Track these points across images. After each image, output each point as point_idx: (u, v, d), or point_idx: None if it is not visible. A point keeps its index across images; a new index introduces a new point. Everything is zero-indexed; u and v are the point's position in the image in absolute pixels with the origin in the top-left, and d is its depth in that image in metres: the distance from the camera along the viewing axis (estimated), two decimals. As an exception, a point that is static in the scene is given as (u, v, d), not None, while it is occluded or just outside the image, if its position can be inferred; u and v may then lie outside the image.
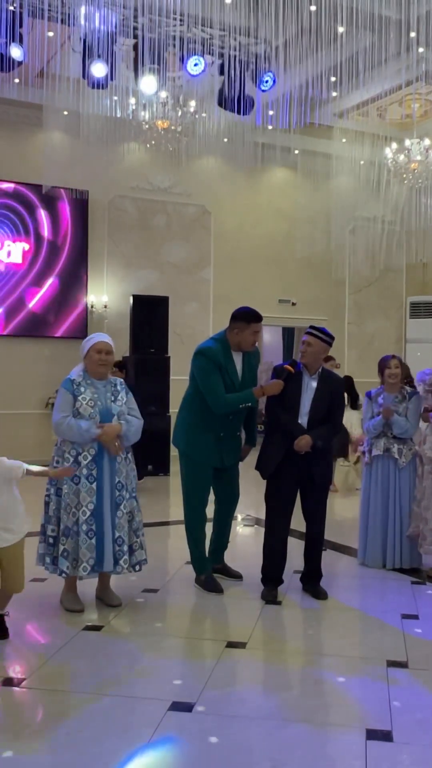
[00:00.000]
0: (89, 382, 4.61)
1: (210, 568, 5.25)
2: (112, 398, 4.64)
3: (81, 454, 4.53)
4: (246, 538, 6.89)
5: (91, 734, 3.13)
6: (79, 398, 4.54)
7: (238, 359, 5.06)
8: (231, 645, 4.14)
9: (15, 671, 3.76)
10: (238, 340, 5.00)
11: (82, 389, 4.57)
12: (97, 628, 4.39)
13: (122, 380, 4.80)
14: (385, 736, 3.15)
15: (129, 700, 3.45)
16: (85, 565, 4.45)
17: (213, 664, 3.87)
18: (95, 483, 4.51)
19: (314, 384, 4.98)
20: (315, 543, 5.17)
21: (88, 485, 4.50)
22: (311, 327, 5.04)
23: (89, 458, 4.52)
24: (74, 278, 12.32)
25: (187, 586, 5.22)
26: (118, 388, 4.69)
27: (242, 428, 5.33)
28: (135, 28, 8.36)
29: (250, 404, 4.94)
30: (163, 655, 4.03)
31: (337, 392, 5.07)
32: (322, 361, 5.10)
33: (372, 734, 3.16)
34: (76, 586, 4.75)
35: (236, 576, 5.37)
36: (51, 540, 4.56)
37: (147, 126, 10.73)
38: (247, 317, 4.99)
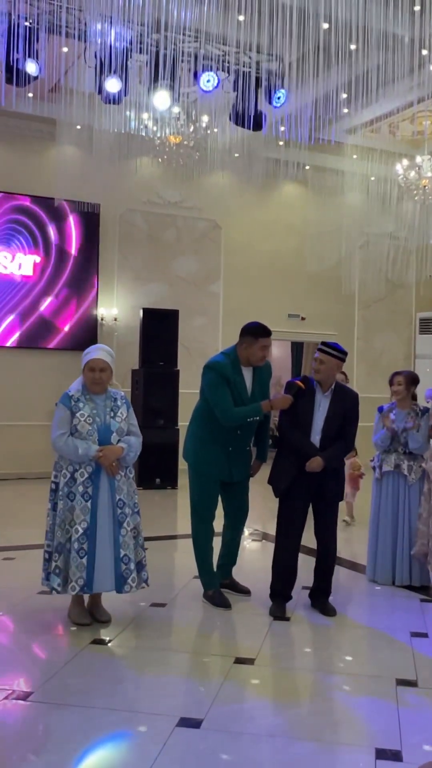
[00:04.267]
0: (88, 397, 4.58)
1: (218, 583, 5.23)
2: (112, 414, 4.60)
3: (78, 471, 4.49)
4: (253, 553, 6.86)
5: (98, 750, 3.10)
6: (77, 415, 4.51)
7: (247, 374, 5.05)
8: (239, 661, 4.12)
9: (21, 685, 3.74)
10: (247, 354, 5.00)
11: (81, 405, 4.53)
12: (104, 642, 4.37)
13: (123, 394, 4.77)
14: (395, 755, 3.12)
15: (136, 715, 3.43)
16: (74, 585, 4.40)
17: (221, 680, 3.85)
18: (90, 501, 4.46)
19: (327, 401, 4.96)
20: (327, 559, 5.14)
21: (82, 503, 4.46)
22: (323, 344, 5.01)
23: (86, 476, 4.49)
24: (85, 291, 12.36)
25: (194, 601, 5.20)
26: (118, 402, 4.66)
27: (253, 443, 5.32)
28: (149, 44, 8.42)
29: (257, 418, 4.92)
30: (170, 671, 4.00)
31: (352, 407, 5.03)
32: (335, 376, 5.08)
33: (381, 754, 3.13)
34: (83, 599, 4.73)
35: (244, 591, 5.35)
36: (47, 555, 4.54)
37: (159, 141, 10.79)
38: (255, 332, 4.99)
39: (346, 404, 5.00)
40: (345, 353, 5.00)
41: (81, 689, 3.70)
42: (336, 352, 4.95)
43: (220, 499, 5.28)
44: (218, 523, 5.27)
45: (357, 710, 3.58)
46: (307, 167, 13.07)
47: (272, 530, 7.17)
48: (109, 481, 4.54)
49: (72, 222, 12.30)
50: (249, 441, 5.16)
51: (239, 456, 5.09)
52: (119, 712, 3.45)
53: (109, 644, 4.34)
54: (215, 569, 5.31)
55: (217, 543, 5.30)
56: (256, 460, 5.29)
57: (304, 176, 13.11)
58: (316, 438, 4.93)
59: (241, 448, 5.10)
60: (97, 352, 4.64)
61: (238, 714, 3.48)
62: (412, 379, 5.96)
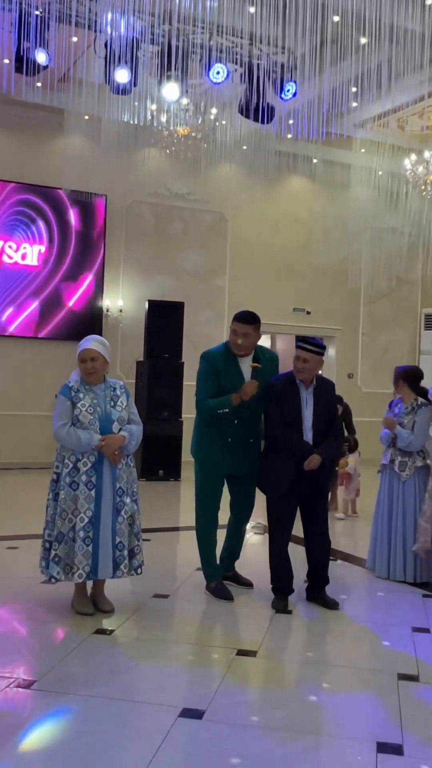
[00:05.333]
0: (87, 388, 4.59)
1: (221, 576, 5.24)
2: (112, 403, 4.62)
3: (80, 461, 4.51)
4: (256, 546, 6.87)
5: (102, 738, 3.12)
6: (78, 405, 4.53)
7: (243, 364, 5.01)
8: (241, 653, 4.13)
9: (23, 674, 3.76)
10: (231, 341, 5.00)
11: (81, 395, 4.55)
12: (107, 632, 4.38)
13: (123, 383, 4.77)
14: (396, 749, 3.13)
15: (139, 705, 3.44)
16: (80, 572, 4.44)
17: (223, 671, 3.86)
18: (94, 490, 4.49)
19: (312, 397, 4.97)
20: (323, 547, 5.14)
21: (86, 492, 4.48)
22: (303, 341, 4.96)
23: (89, 465, 4.51)
24: (90, 282, 12.36)
25: (197, 593, 5.21)
26: (118, 392, 4.67)
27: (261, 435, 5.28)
28: (159, 35, 8.40)
29: (227, 410, 4.90)
30: (173, 662, 4.02)
31: (330, 396, 5.08)
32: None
33: (383, 747, 3.14)
34: (86, 589, 4.75)
35: (247, 584, 5.37)
36: (47, 545, 4.56)
37: (167, 132, 10.78)
38: (234, 318, 5.02)
39: (329, 395, 5.05)
40: (325, 348, 5.01)
41: (83, 679, 3.72)
42: (318, 348, 4.93)
43: (227, 491, 5.29)
44: (224, 516, 5.29)
45: (359, 704, 3.59)
46: (315, 161, 13.05)
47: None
48: (111, 469, 4.56)
49: (78, 213, 12.30)
50: (252, 432, 5.10)
51: (241, 449, 5.06)
52: (121, 702, 3.46)
53: (112, 634, 4.35)
54: (218, 561, 5.32)
55: (221, 535, 5.31)
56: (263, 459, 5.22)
57: (311, 170, 13.10)
58: (308, 435, 4.93)
59: (242, 440, 5.07)
60: (87, 342, 4.65)
61: (240, 706, 3.50)
62: (405, 375, 5.90)
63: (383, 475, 5.91)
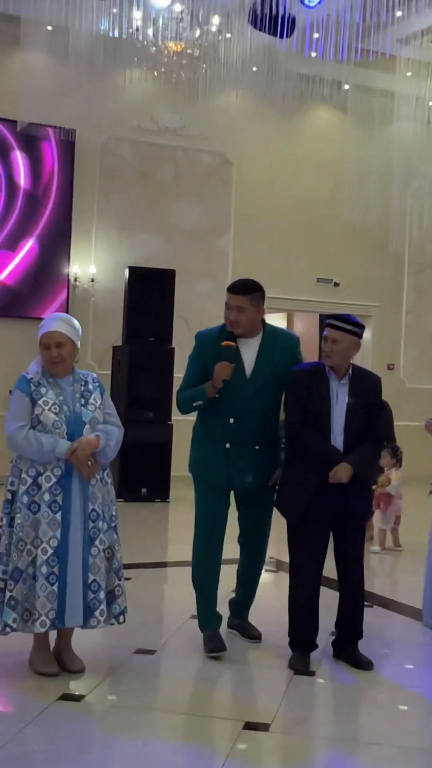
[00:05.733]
0: (51, 381, 4.61)
1: (217, 626, 5.26)
2: (82, 401, 4.64)
3: (42, 475, 4.51)
4: (266, 587, 6.89)
5: None
6: (39, 402, 4.54)
7: (248, 347, 5.05)
8: (250, 726, 4.14)
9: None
10: (224, 318, 5.07)
11: (43, 390, 4.56)
12: (76, 698, 4.38)
13: (96, 375, 4.80)
14: None
15: (117, 793, 3.46)
16: (43, 620, 4.43)
17: (226, 751, 3.88)
18: (60, 513, 4.49)
19: (345, 390, 4.97)
20: (355, 595, 5.16)
21: (50, 515, 4.48)
22: (335, 317, 5.00)
23: (53, 480, 4.51)
24: (52, 243, 12.34)
25: (192, 648, 5.23)
26: (90, 386, 4.70)
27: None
28: None
29: (201, 402, 4.98)
30: (161, 738, 4.02)
31: (376, 394, 5.08)
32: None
33: None
34: (48, 642, 4.76)
35: (254, 637, 5.38)
36: (1, 584, 4.56)
37: (155, 48, 10.75)
38: (227, 288, 5.10)
39: (368, 391, 5.04)
40: (362, 327, 5.02)
41: (47, 757, 3.73)
42: (353, 326, 4.94)
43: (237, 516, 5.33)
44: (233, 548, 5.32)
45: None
46: (347, 87, 13.03)
47: (282, 555, 7.23)
48: (82, 486, 4.57)
49: (38, 153, 12.28)
50: (257, 435, 5.11)
51: (242, 456, 5.07)
52: (95, 789, 3.48)
53: (82, 700, 4.35)
54: (228, 606, 5.39)
55: (227, 572, 5.33)
56: (280, 469, 5.25)
57: (342, 99, 13.07)
58: (338, 440, 4.94)
59: (245, 446, 5.07)
60: (51, 323, 4.65)
61: (248, 794, 3.52)
62: None
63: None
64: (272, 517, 5.33)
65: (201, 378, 5.02)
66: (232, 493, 5.24)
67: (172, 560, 7.66)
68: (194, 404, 5.05)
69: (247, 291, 5.01)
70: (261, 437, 5.12)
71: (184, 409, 5.16)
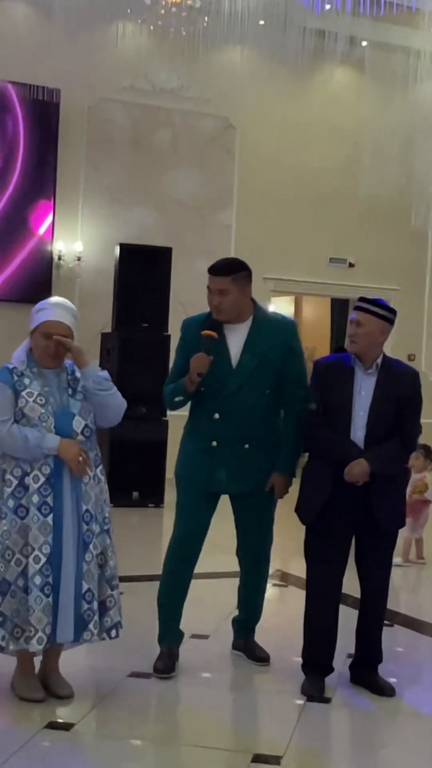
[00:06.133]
0: (35, 371, 4.61)
1: (173, 642, 5.26)
2: (70, 390, 4.65)
3: (29, 475, 4.51)
4: (274, 602, 6.90)
5: None
6: (23, 394, 4.54)
7: (235, 334, 5.04)
8: (259, 759, 4.13)
9: None
10: (208, 303, 5.09)
11: (26, 381, 4.56)
12: (63, 727, 4.37)
13: None
14: None
15: None
16: (41, 636, 4.42)
17: (233, 786, 3.88)
18: (51, 515, 4.50)
19: (372, 382, 4.96)
20: (374, 615, 5.16)
21: (41, 519, 4.48)
22: (361, 299, 5.02)
23: (42, 480, 4.51)
24: (34, 217, 12.33)
25: (192, 671, 5.22)
26: (77, 375, 4.70)
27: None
28: None
29: (181, 398, 4.99)
30: (160, 771, 4.04)
31: (411, 390, 5.04)
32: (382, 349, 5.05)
33: None
34: (33, 664, 4.76)
35: (262, 659, 5.37)
36: None
37: (150, 0, 10.73)
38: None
39: (401, 386, 5.01)
40: (393, 312, 5.01)
41: (32, 794, 3.73)
42: (381, 310, 4.95)
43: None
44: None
45: None
46: (365, 44, 13.01)
47: (297, 570, 7.24)
48: (74, 484, 4.58)
49: (18, 115, 12.25)
50: (247, 433, 5.08)
51: (229, 456, 5.06)
52: None
53: (72, 729, 4.34)
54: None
55: (224, 587, 5.33)
56: (276, 473, 5.22)
57: (359, 57, 13.06)
58: (358, 435, 4.92)
59: (232, 445, 5.05)
60: (54, 310, 4.62)
61: None
62: None
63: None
64: (275, 526, 5.34)
65: (185, 370, 5.00)
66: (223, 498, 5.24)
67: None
68: (175, 399, 5.06)
69: (230, 271, 4.98)
70: (251, 435, 5.07)
71: (169, 405, 5.20)
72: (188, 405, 5.18)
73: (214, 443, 5.04)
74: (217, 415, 5.01)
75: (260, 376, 5.02)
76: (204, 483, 5.10)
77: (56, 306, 4.66)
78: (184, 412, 5.31)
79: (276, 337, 5.13)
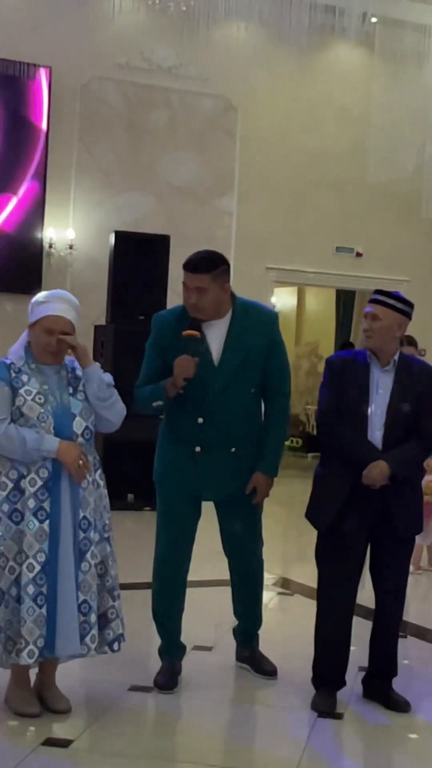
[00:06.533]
0: (34, 367, 4.61)
1: (175, 656, 5.27)
2: (71, 389, 4.65)
3: (26, 478, 4.51)
4: (280, 612, 6.91)
5: None
6: (21, 392, 4.53)
7: (215, 330, 5.00)
8: (269, 779, 4.17)
9: None
10: (184, 301, 5.05)
11: (24, 378, 4.56)
12: (61, 743, 4.37)
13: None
14: None
15: None
16: (31, 649, 4.42)
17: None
18: (48, 521, 4.50)
19: (390, 379, 4.97)
20: (389, 625, 5.17)
21: (36, 525, 4.48)
22: (377, 292, 5.01)
23: (38, 484, 4.51)
24: (23, 202, 12.32)
25: (196, 684, 5.23)
26: (78, 373, 4.71)
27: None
28: None
29: (161, 402, 4.95)
30: (165, 791, 4.06)
31: (429, 385, 5.04)
32: (399, 344, 5.06)
33: None
34: (28, 677, 4.76)
35: (269, 672, 5.36)
36: None
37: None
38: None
39: (420, 384, 5.01)
40: (411, 305, 5.00)
41: None
42: (398, 302, 4.94)
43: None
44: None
45: None
46: (374, 20, 13.00)
47: (296, 575, 7.25)
48: (73, 489, 4.58)
49: (5, 94, 12.22)
50: (230, 438, 5.05)
51: (216, 462, 5.03)
52: None
53: (70, 746, 4.35)
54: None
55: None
56: (258, 473, 5.18)
57: (368, 34, 13.05)
58: (375, 435, 4.93)
59: (218, 450, 5.03)
60: (56, 303, 4.62)
61: None
62: None
63: None
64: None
65: (160, 370, 4.97)
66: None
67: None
68: (154, 404, 4.99)
69: (209, 268, 4.91)
70: (237, 438, 5.06)
71: (143, 409, 5.09)
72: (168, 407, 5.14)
73: (198, 449, 5.00)
74: (201, 420, 4.95)
75: (244, 374, 4.98)
76: (192, 490, 5.09)
77: (58, 299, 4.64)
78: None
79: (257, 331, 5.08)
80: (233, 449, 5.05)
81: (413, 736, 4.82)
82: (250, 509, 5.22)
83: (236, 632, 5.50)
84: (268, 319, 5.21)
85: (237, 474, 5.09)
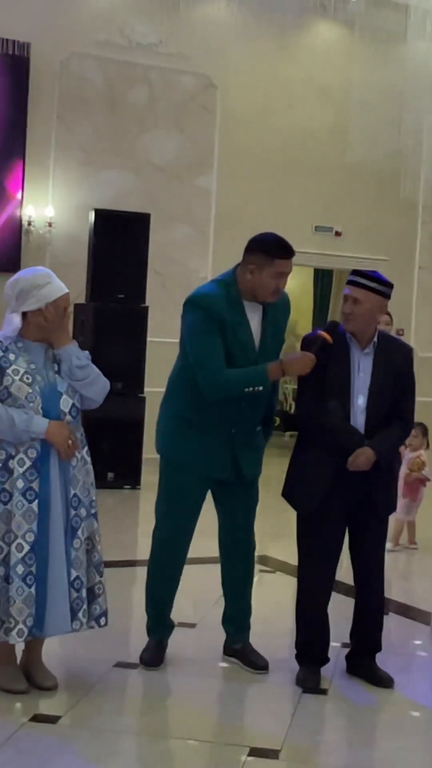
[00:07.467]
0: (20, 345, 4.63)
1: (164, 634, 5.29)
2: (56, 367, 4.68)
3: (14, 458, 4.53)
4: (260, 590, 6.92)
5: None
6: (9, 371, 4.55)
7: (254, 314, 5.02)
8: (256, 753, 4.17)
9: None
10: (252, 284, 4.94)
11: (12, 357, 4.57)
12: (51, 719, 4.40)
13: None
14: None
15: None
16: (21, 628, 4.45)
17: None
18: (36, 501, 4.52)
19: (369, 361, 5.00)
20: (373, 603, 5.23)
21: (25, 505, 4.50)
22: (356, 273, 5.01)
23: (27, 464, 4.53)
24: (2, 179, 12.25)
25: (181, 660, 5.26)
26: None
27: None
28: None
29: (261, 388, 4.89)
30: (155, 767, 4.06)
31: (406, 368, 5.10)
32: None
33: None
34: (15, 654, 4.78)
35: (260, 667, 5.24)
36: None
37: None
38: (271, 249, 4.93)
39: (398, 364, 5.06)
40: (390, 285, 5.01)
41: (21, 790, 3.76)
42: (378, 284, 4.94)
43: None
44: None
45: None
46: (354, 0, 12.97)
47: (277, 552, 7.29)
48: (62, 468, 4.61)
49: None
50: (260, 416, 5.16)
51: (248, 441, 5.10)
52: None
53: (58, 722, 4.38)
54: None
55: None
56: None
57: (348, 13, 13.04)
58: (358, 419, 4.96)
59: (250, 429, 5.11)
60: (58, 281, 4.66)
61: None
62: None
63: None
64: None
65: (224, 348, 4.92)
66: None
67: (143, 558, 7.62)
68: (247, 390, 4.87)
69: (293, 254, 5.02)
70: (261, 417, 5.17)
71: (227, 392, 4.90)
72: (178, 389, 5.15)
73: (233, 430, 5.04)
74: (243, 403, 4.98)
75: (274, 357, 5.02)
76: (208, 469, 5.10)
77: (54, 277, 4.69)
78: (164, 388, 5.27)
79: (283, 315, 5.19)
80: (258, 427, 5.17)
81: (396, 711, 4.86)
82: (255, 488, 5.28)
83: (227, 622, 5.39)
84: (288, 303, 5.26)
85: (258, 451, 5.21)
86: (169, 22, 12.67)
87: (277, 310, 5.12)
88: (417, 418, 8.93)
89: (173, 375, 5.22)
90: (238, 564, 5.39)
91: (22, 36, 12.12)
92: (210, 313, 4.92)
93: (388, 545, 8.31)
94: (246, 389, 4.86)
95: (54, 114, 12.62)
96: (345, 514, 5.04)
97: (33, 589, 4.47)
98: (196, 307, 4.98)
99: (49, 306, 4.59)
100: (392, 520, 8.46)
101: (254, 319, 5.03)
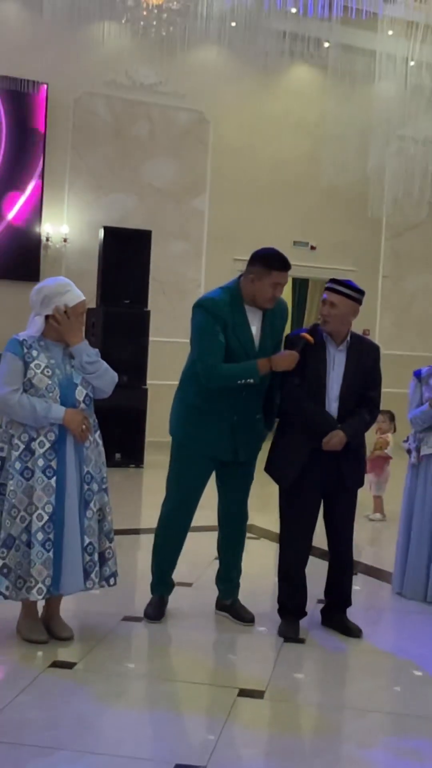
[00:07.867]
0: (42, 344, 4.64)
1: (166, 591, 5.32)
2: (72, 362, 4.70)
3: (36, 440, 4.55)
4: (247, 554, 6.94)
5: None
6: (32, 365, 4.57)
7: (254, 317, 5.05)
8: (245, 694, 4.20)
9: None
10: (253, 290, 4.97)
11: (34, 353, 4.59)
12: (68, 665, 4.43)
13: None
14: None
15: (117, 761, 3.49)
16: (40, 587, 4.47)
17: (223, 718, 3.93)
18: (54, 478, 4.54)
19: (343, 357, 5.03)
20: (345, 563, 5.26)
21: (45, 481, 4.52)
22: (333, 281, 5.04)
23: (47, 446, 4.55)
24: (23, 201, 12.23)
25: (180, 615, 5.29)
26: None
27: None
28: None
29: (251, 380, 4.92)
30: (158, 705, 4.09)
31: (374, 363, 5.15)
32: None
33: None
34: (36, 609, 4.79)
35: (247, 620, 5.29)
36: None
37: (133, 1, 10.65)
38: (269, 262, 4.95)
39: (367, 359, 5.10)
40: (362, 293, 5.04)
41: (43, 725, 3.75)
42: (352, 291, 4.98)
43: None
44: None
45: (397, 760, 3.68)
46: (327, 45, 12.97)
47: (261, 521, 7.32)
48: (77, 449, 4.63)
49: (7, 107, 12.11)
50: (259, 406, 5.18)
51: (248, 427, 5.12)
52: (95, 757, 3.51)
53: (74, 668, 4.40)
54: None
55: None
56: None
57: (323, 57, 13.02)
58: (332, 406, 4.99)
59: (250, 417, 5.13)
60: (76, 289, 4.69)
61: (247, 762, 3.57)
62: None
63: (423, 468, 5.94)
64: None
65: (223, 346, 4.95)
66: None
67: (146, 527, 7.66)
68: (239, 381, 4.92)
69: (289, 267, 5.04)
70: (261, 406, 5.19)
71: (221, 382, 4.95)
72: (188, 381, 5.15)
73: (235, 417, 5.06)
74: (244, 393, 5.01)
75: (272, 354, 5.03)
76: (225, 453, 5.12)
77: (74, 285, 4.71)
78: (166, 381, 5.29)
79: (280, 320, 5.19)
80: (258, 416, 5.17)
81: (364, 657, 4.90)
82: (252, 469, 5.31)
83: (221, 581, 5.43)
84: (285, 305, 5.29)
85: (257, 436, 5.23)
86: (167, 65, 12.68)
87: (275, 315, 5.14)
88: (382, 406, 9.03)
89: (185, 368, 5.24)
90: (232, 532, 5.42)
91: (41, 77, 12.14)
92: (214, 315, 4.95)
93: (378, 516, 8.40)
94: (239, 381, 4.91)
95: (69, 144, 12.63)
96: (320, 488, 5.07)
97: (51, 554, 4.49)
98: (202, 309, 5.02)
99: (72, 310, 4.61)
100: (368, 496, 8.55)
101: (254, 321, 5.06)
